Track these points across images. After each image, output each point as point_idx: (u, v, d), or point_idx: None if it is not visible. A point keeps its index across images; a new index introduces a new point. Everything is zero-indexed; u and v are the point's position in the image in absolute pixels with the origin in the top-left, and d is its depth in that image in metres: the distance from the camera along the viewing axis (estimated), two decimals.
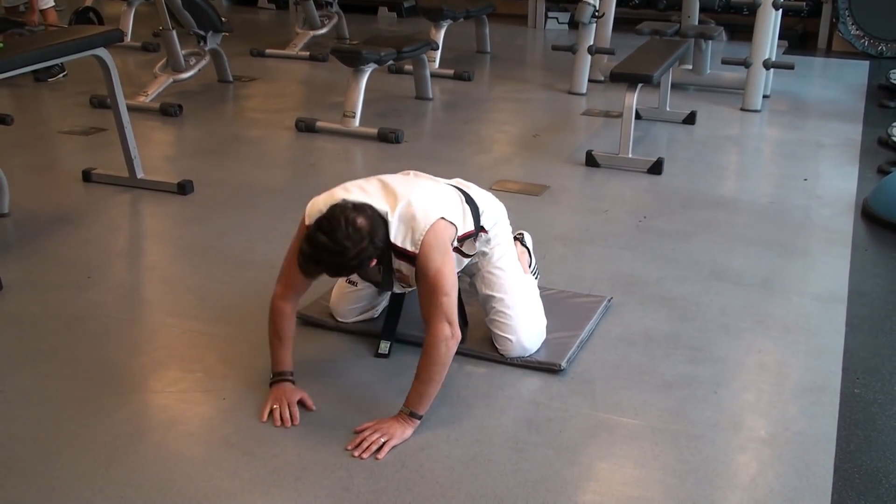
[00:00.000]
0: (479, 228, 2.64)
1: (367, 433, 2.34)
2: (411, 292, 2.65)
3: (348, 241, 2.25)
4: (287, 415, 2.42)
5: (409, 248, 2.39)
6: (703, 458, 2.31)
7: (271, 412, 2.44)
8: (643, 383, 2.65)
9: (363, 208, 2.33)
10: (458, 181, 2.77)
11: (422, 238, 2.38)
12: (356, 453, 2.28)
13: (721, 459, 2.32)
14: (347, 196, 2.41)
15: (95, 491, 2.16)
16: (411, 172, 2.74)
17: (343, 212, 2.29)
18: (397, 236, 2.39)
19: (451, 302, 2.39)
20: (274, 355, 2.55)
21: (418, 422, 2.38)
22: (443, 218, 2.43)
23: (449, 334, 2.36)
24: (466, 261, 2.66)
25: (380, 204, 2.40)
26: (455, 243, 2.52)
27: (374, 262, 2.38)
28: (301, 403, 2.48)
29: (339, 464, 2.26)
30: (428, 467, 2.26)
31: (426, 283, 2.40)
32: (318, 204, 2.45)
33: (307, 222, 2.42)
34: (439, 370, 2.38)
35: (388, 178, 2.57)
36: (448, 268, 2.42)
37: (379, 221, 2.35)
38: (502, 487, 2.19)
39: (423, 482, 2.20)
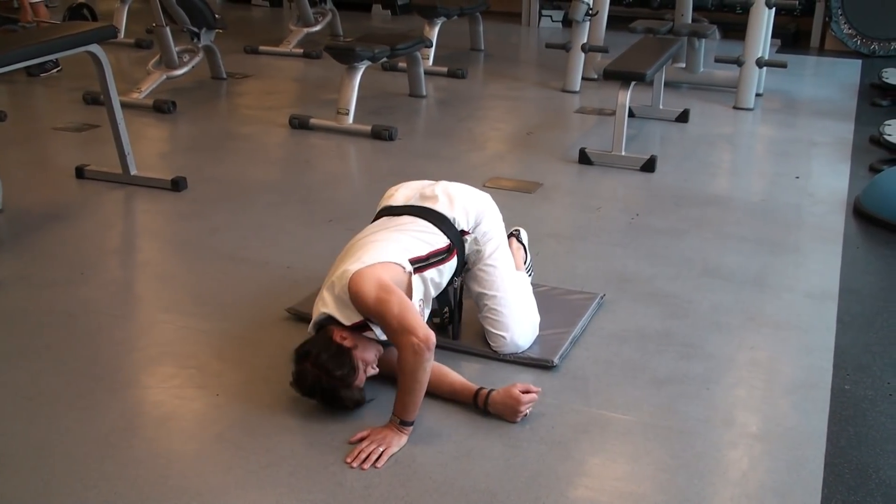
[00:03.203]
0: (460, 233, 2.65)
1: (364, 444, 2.30)
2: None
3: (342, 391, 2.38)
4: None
5: (356, 319, 2.40)
6: (695, 453, 2.32)
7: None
8: (635, 380, 2.66)
9: (316, 351, 2.38)
10: (430, 185, 2.78)
11: (349, 296, 2.39)
12: (355, 464, 2.24)
13: (712, 455, 2.33)
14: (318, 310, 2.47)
15: (89, 486, 2.16)
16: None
17: (316, 376, 2.37)
18: (346, 319, 2.41)
19: (403, 317, 2.33)
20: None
21: (411, 428, 2.35)
22: (359, 270, 2.40)
23: (414, 342, 2.30)
24: (447, 272, 2.64)
25: (332, 310, 2.43)
26: (412, 266, 2.51)
27: (361, 378, 2.42)
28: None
29: (333, 459, 2.27)
30: (420, 462, 2.26)
31: (375, 315, 2.38)
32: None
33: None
34: (416, 378, 2.33)
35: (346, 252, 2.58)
36: (383, 291, 2.37)
37: (341, 350, 2.38)
38: (495, 483, 2.19)
39: (415, 477, 2.21)
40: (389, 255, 2.49)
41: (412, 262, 2.52)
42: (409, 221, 2.64)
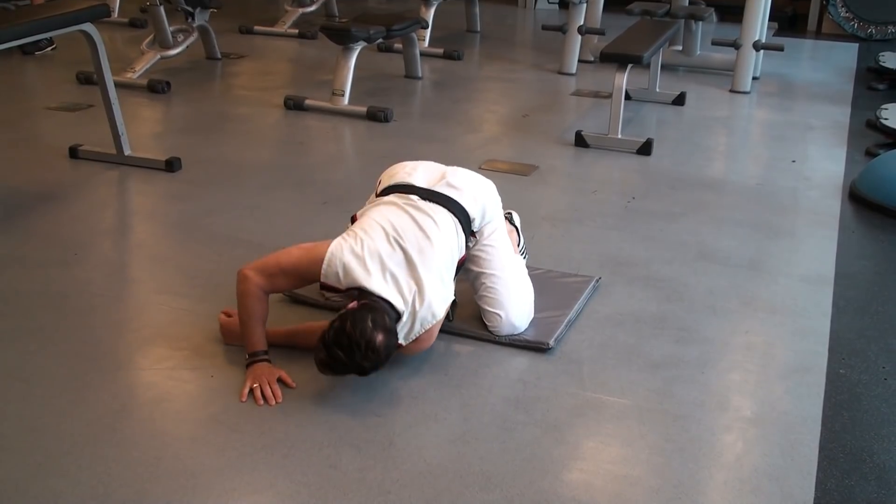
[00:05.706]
0: (470, 234, 2.67)
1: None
2: None
3: (367, 363, 2.33)
4: (269, 393, 2.42)
5: (401, 341, 2.48)
6: (689, 437, 2.33)
7: (251, 391, 2.44)
8: (630, 363, 2.66)
9: (382, 321, 2.35)
10: (452, 171, 2.75)
11: (414, 337, 2.51)
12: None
13: (707, 439, 2.33)
14: (367, 279, 2.43)
15: (82, 468, 2.15)
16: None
17: (363, 331, 2.31)
18: (400, 331, 2.46)
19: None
20: (250, 335, 2.54)
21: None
22: (432, 329, 2.52)
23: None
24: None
25: (396, 299, 2.44)
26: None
27: None
28: (280, 381, 2.48)
29: (327, 441, 2.27)
30: (415, 445, 2.26)
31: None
32: (334, 264, 2.46)
33: (322, 267, 2.47)
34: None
35: (405, 237, 2.52)
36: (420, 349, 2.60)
37: (394, 329, 2.41)
38: (489, 466, 2.19)
39: (410, 460, 2.21)
40: (445, 304, 2.56)
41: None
42: (448, 233, 2.59)
